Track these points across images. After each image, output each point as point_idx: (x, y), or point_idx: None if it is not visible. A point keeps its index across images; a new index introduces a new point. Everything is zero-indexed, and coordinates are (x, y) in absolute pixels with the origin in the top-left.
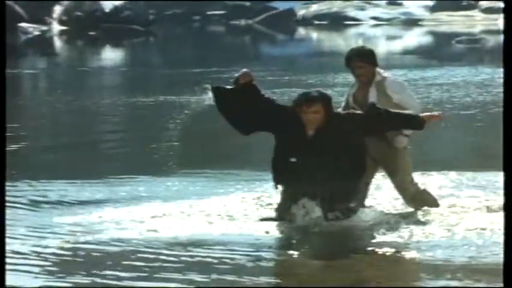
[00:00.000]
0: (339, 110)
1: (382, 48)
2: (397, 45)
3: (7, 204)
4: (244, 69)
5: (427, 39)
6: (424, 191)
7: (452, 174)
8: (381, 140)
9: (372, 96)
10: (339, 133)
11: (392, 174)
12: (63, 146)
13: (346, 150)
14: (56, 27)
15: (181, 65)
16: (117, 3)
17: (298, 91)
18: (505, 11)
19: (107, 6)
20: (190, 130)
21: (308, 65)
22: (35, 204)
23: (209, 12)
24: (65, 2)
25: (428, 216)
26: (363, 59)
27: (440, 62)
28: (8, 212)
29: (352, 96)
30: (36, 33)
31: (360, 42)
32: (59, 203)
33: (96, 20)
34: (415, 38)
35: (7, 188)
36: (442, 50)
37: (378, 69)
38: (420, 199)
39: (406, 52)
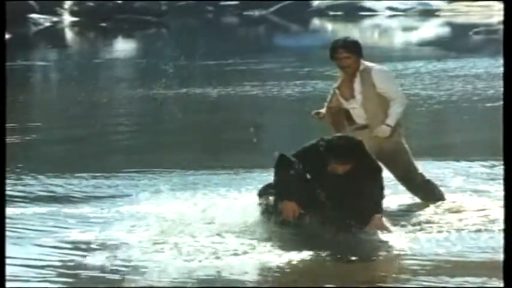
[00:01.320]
0: (324, 109)
1: (398, 39)
2: (414, 37)
3: (19, 199)
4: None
5: (444, 30)
6: (429, 182)
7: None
8: (376, 137)
9: (357, 87)
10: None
11: (394, 169)
12: (74, 139)
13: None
14: (67, 18)
15: (195, 57)
16: None
17: (319, 83)
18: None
19: None
20: (204, 123)
21: (324, 56)
22: (44, 198)
23: (222, 3)
24: None
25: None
26: (348, 50)
27: (459, 54)
28: (21, 207)
29: (337, 89)
30: (47, 24)
31: (376, 34)
32: (72, 197)
33: (107, 11)
34: (432, 29)
35: (19, 181)
36: (459, 41)
37: (362, 60)
38: (426, 189)
39: (423, 43)
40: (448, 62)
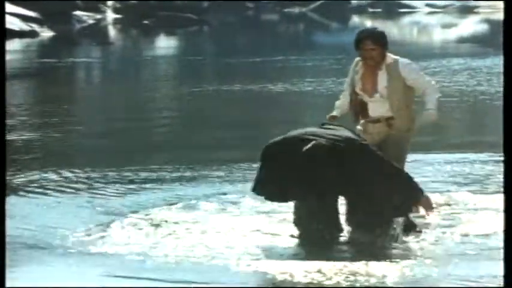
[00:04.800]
0: (336, 110)
1: (437, 36)
2: (453, 34)
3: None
4: None
5: (482, 27)
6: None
7: None
8: (381, 131)
9: (383, 80)
10: None
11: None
12: (115, 134)
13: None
14: (111, 16)
15: (236, 54)
16: None
17: None
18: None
19: None
20: (246, 119)
21: None
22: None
23: (263, 0)
24: None
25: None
26: (375, 41)
27: (497, 51)
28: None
29: (359, 83)
30: (91, 21)
31: (415, 31)
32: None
33: (150, 9)
34: (470, 26)
35: (64, 175)
36: (498, 38)
37: (387, 53)
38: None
39: (462, 40)
40: (489, 59)
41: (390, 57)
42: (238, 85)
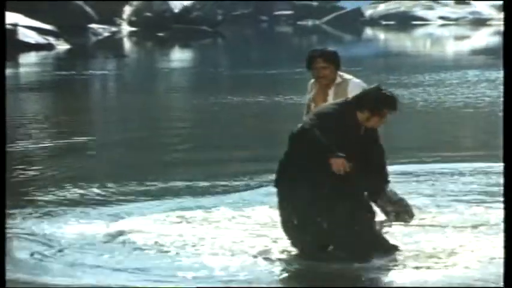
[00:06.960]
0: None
1: (450, 48)
2: (466, 46)
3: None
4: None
5: (495, 40)
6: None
7: None
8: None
9: (331, 100)
10: None
11: None
12: (130, 146)
13: None
14: (126, 28)
15: (252, 67)
16: (186, 3)
17: (397, 90)
18: (505, 9)
19: (176, 6)
20: (259, 132)
21: (387, 64)
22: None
23: (276, 13)
24: (135, 3)
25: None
26: (326, 60)
27: None
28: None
29: (312, 101)
30: (106, 34)
31: (428, 43)
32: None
33: (165, 21)
34: (483, 38)
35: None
36: None
37: (339, 72)
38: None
39: (475, 52)
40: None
41: (342, 76)
42: (262, 97)
